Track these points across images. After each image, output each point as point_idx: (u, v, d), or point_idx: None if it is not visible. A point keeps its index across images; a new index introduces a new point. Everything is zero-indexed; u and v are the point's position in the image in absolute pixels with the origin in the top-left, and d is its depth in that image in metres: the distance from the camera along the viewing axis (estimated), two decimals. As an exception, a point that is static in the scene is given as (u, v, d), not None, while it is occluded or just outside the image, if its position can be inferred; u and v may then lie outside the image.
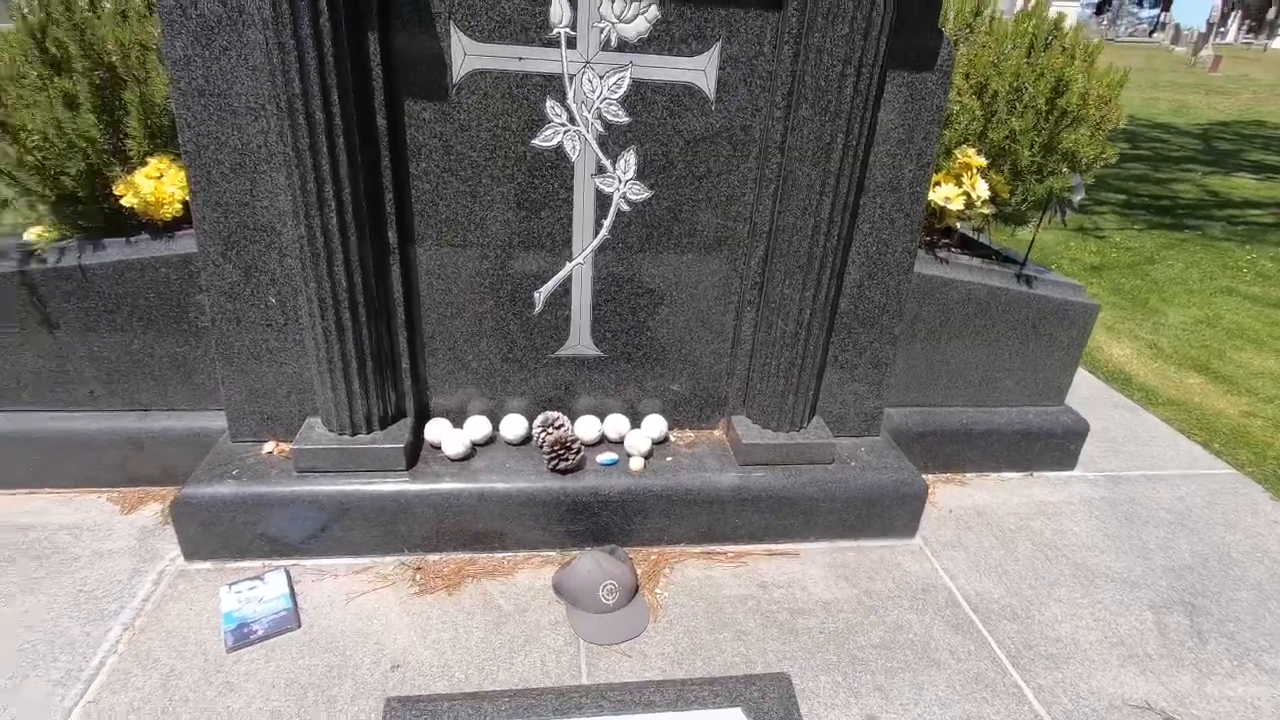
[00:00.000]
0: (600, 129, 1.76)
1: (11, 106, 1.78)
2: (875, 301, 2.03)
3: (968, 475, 2.49)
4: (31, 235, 1.93)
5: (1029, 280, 2.33)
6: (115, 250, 1.90)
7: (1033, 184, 2.23)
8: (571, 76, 1.69)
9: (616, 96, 1.73)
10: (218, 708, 1.49)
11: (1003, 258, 2.47)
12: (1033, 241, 2.42)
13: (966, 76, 2.23)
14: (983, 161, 2.19)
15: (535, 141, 1.75)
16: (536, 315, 1.96)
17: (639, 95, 1.74)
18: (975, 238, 2.59)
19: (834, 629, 1.81)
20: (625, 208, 1.86)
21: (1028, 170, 2.21)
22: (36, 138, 1.79)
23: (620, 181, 1.82)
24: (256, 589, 1.77)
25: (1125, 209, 6.31)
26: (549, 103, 1.72)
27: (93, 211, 1.94)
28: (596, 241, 1.89)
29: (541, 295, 1.94)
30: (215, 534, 1.84)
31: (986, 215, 2.31)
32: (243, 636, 1.64)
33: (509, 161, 1.77)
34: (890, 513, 2.10)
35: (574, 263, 1.91)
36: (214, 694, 1.52)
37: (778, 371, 1.98)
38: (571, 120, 1.74)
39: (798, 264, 1.84)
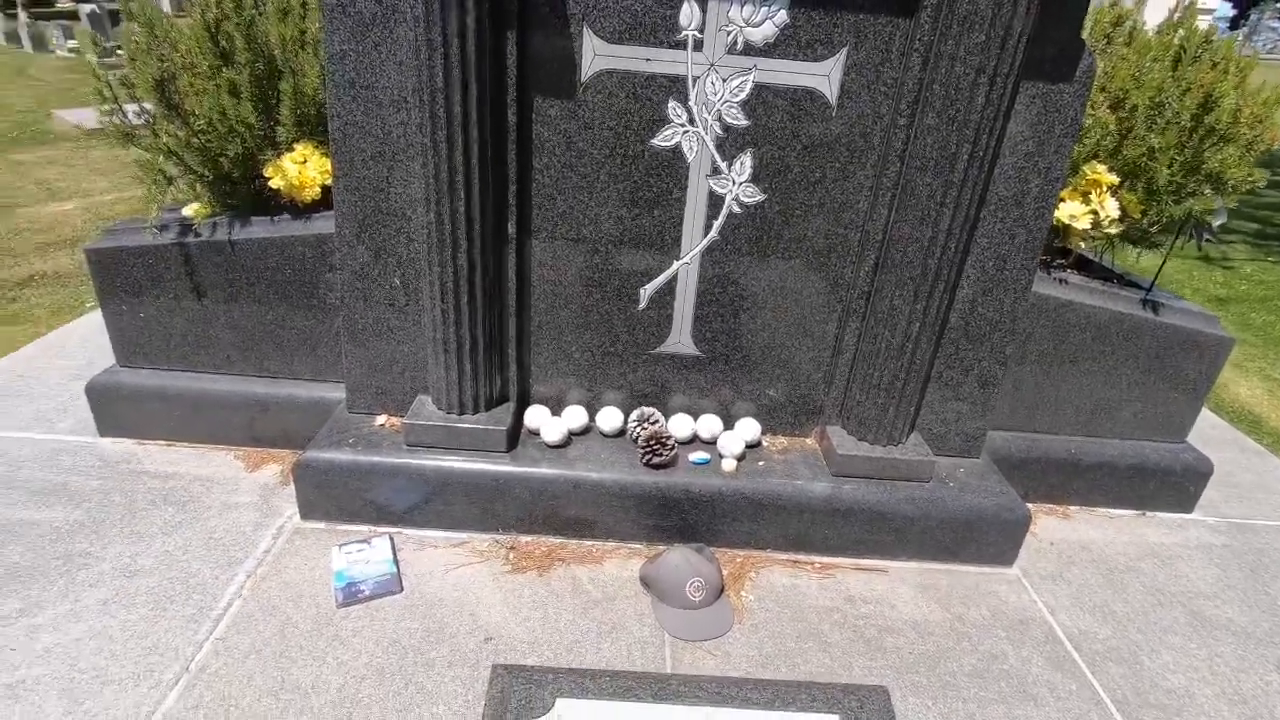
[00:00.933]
0: (719, 131, 1.78)
1: (184, 93, 1.96)
2: (987, 318, 1.96)
3: (1072, 508, 2.36)
4: (189, 211, 2.12)
5: (1155, 307, 2.20)
6: (260, 228, 2.06)
7: (1168, 205, 2.10)
8: (695, 78, 1.72)
9: (738, 99, 1.75)
10: (328, 658, 1.59)
11: (1125, 282, 2.34)
12: (1162, 265, 2.28)
13: (1103, 89, 2.13)
14: (1114, 179, 2.08)
15: (654, 141, 1.79)
16: (640, 311, 2.00)
17: (760, 99, 1.75)
18: (1095, 259, 2.46)
19: (924, 651, 1.76)
20: (737, 210, 1.87)
21: (1164, 190, 2.09)
22: (202, 122, 1.96)
23: (734, 184, 1.84)
24: (364, 551, 1.88)
25: (1259, 239, 5.83)
26: (671, 104, 1.75)
27: (243, 191, 2.11)
28: (705, 242, 1.91)
29: (646, 292, 1.97)
30: (329, 496, 1.96)
31: (1112, 236, 2.19)
32: (351, 595, 1.75)
33: (627, 160, 1.81)
34: (988, 538, 2.02)
35: (681, 262, 1.93)
36: (325, 645, 1.62)
37: (879, 384, 1.94)
38: (691, 121, 1.77)
39: (909, 275, 1.80)
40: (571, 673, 1.15)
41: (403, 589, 1.79)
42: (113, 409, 2.23)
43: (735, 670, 1.65)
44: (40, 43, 12.51)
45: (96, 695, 1.46)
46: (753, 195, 1.85)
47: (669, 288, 1.97)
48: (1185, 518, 2.38)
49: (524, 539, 2.00)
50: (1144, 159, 2.09)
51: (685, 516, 1.98)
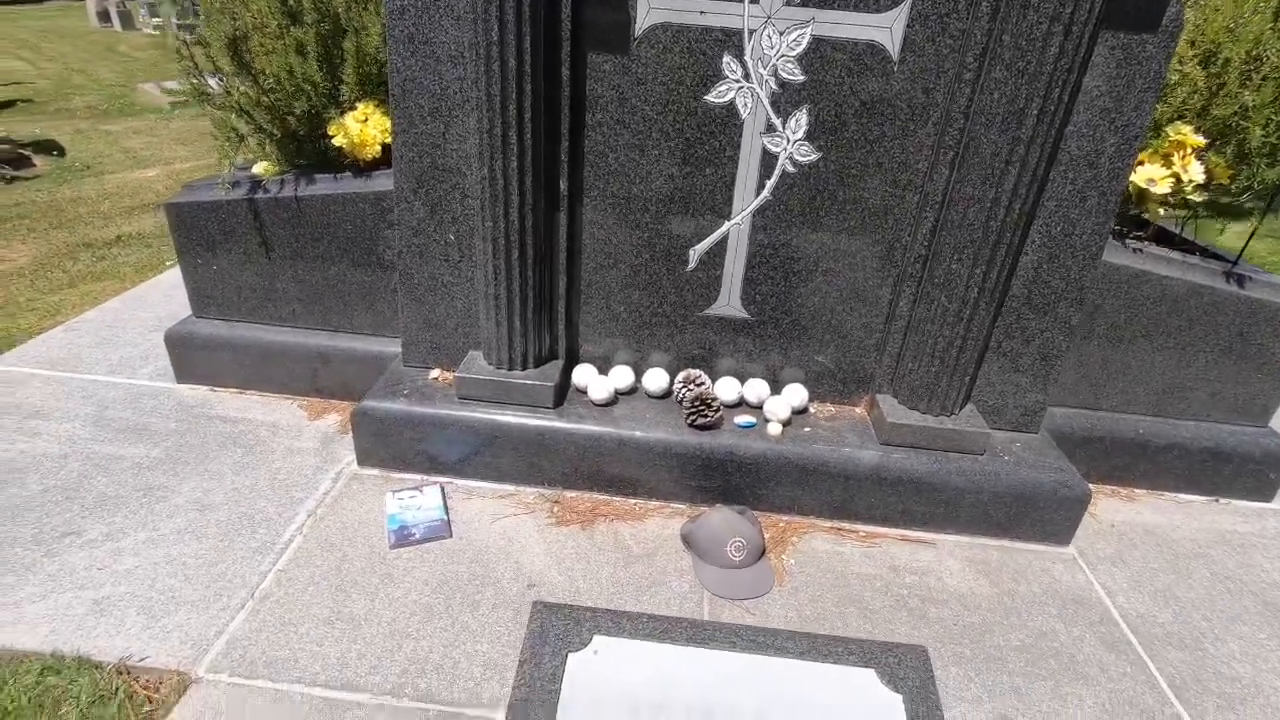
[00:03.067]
0: (774, 87, 1.74)
1: (255, 53, 2.04)
2: (1052, 287, 1.88)
3: (1138, 491, 2.26)
4: (259, 169, 2.21)
5: (1240, 280, 2.06)
6: (324, 185, 2.14)
7: (1261, 169, 1.95)
8: (751, 32, 1.69)
9: (794, 54, 1.70)
10: (380, 593, 1.67)
11: (1208, 255, 2.19)
12: (1251, 235, 2.13)
13: (1192, 44, 1.98)
14: (1200, 141, 1.95)
15: (707, 98, 1.77)
16: (689, 272, 1.99)
17: (817, 53, 1.70)
18: (1176, 233, 2.31)
19: (970, 623, 1.73)
20: (791, 169, 1.83)
21: (1258, 153, 1.94)
22: (271, 80, 2.04)
23: (789, 142, 1.80)
24: (416, 498, 1.95)
25: (1368, 220, 5.36)
26: (725, 58, 1.72)
27: (309, 150, 2.19)
28: (757, 202, 1.88)
29: (696, 253, 1.96)
30: (384, 445, 2.04)
31: (1195, 204, 2.05)
32: (403, 537, 1.82)
33: (679, 116, 1.80)
34: (1044, 515, 1.95)
35: (732, 222, 1.91)
36: (378, 581, 1.70)
37: (934, 352, 1.89)
38: (746, 77, 1.74)
39: (970, 239, 1.73)
40: (609, 613, 1.18)
41: (451, 535, 1.86)
42: (188, 357, 2.36)
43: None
44: (128, 21, 13.18)
45: (171, 614, 1.57)
46: (807, 154, 1.81)
47: (719, 249, 1.95)
48: (1264, 506, 2.25)
49: (568, 494, 2.04)
50: (1236, 118, 1.94)
51: (729, 479, 1.98)
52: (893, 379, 2.04)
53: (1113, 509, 2.18)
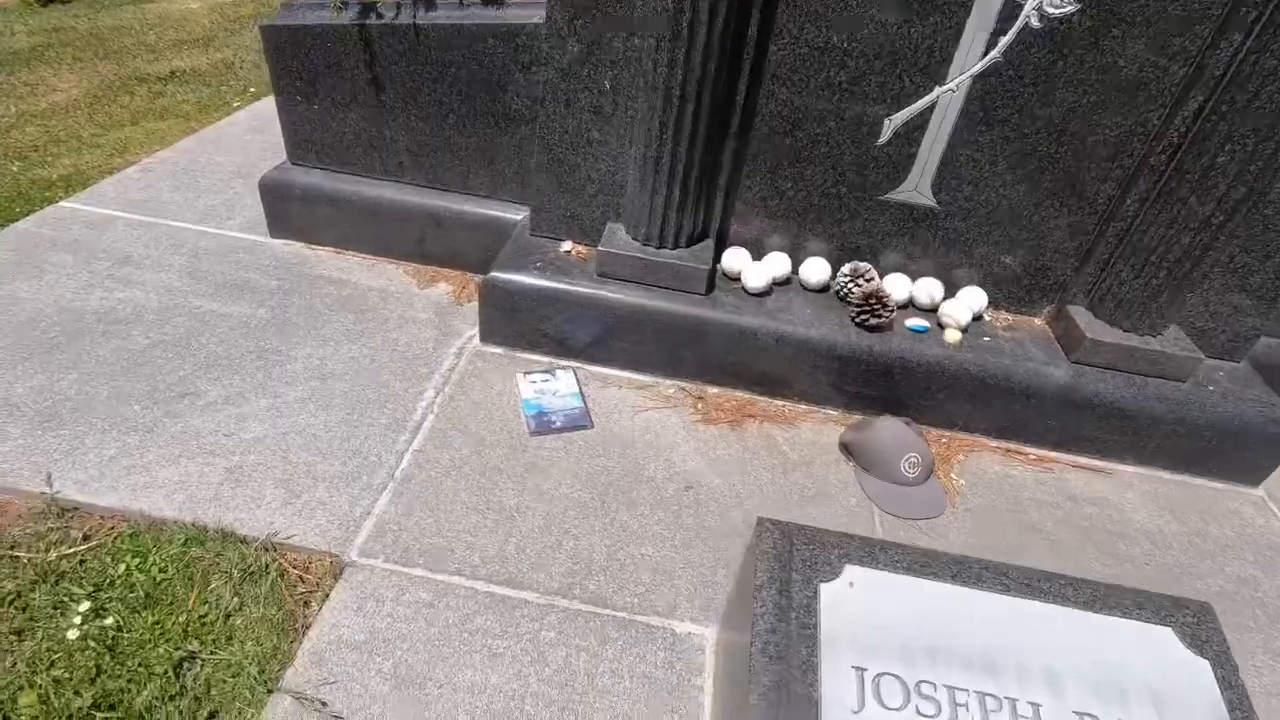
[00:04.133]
0: (1043, -91, 1.38)
1: None
2: (1320, 193, 1.58)
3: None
4: (368, -12, 1.88)
5: None
6: (448, 12, 1.81)
7: None
8: None
9: None
10: (528, 484, 1.53)
11: None
12: None
13: None
14: None
15: (952, -81, 1.41)
16: (878, 148, 1.70)
17: None
18: None
19: (1163, 563, 1.58)
20: (1035, 24, 1.49)
21: None
22: (392, -128, 1.67)
23: (1043, -14, 1.45)
24: (549, 382, 1.78)
25: None
26: None
27: (428, -33, 1.85)
28: (982, 64, 1.55)
29: (892, 124, 1.66)
30: (512, 321, 1.85)
31: None
32: (543, 424, 1.66)
33: (910, -56, 1.45)
34: (1244, 453, 1.76)
35: (944, 88, 1.60)
36: (523, 470, 1.56)
37: (1161, 261, 1.62)
38: (1009, -107, 1.37)
39: (1254, 126, 1.42)
40: (855, 538, 1.01)
41: (593, 425, 1.70)
42: (284, 208, 2.14)
43: (952, 554, 1.51)
44: None
45: (311, 489, 1.44)
46: (1062, 4, 1.47)
47: (921, 121, 1.65)
48: None
49: (711, 390, 1.86)
50: None
51: (894, 387, 1.79)
52: (1093, 290, 1.78)
53: (1296, 450, 1.98)
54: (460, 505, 1.46)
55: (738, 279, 1.85)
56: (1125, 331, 1.74)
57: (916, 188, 1.75)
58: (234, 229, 2.21)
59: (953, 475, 1.72)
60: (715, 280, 1.83)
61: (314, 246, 2.18)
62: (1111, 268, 1.72)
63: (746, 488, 1.60)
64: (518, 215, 2.04)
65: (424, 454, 1.56)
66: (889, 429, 1.65)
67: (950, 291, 1.86)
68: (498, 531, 1.42)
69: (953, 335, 1.77)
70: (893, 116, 1.65)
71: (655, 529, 1.47)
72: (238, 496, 1.41)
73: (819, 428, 1.80)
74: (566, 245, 1.90)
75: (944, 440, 1.82)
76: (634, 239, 1.80)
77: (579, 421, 1.69)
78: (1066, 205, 1.71)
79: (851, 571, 0.98)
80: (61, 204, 2.24)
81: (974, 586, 0.98)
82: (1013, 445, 1.83)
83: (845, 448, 1.72)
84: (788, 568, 0.97)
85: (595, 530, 1.45)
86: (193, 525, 1.34)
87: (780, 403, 1.85)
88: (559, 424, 1.67)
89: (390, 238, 2.14)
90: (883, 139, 1.68)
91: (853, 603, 0.94)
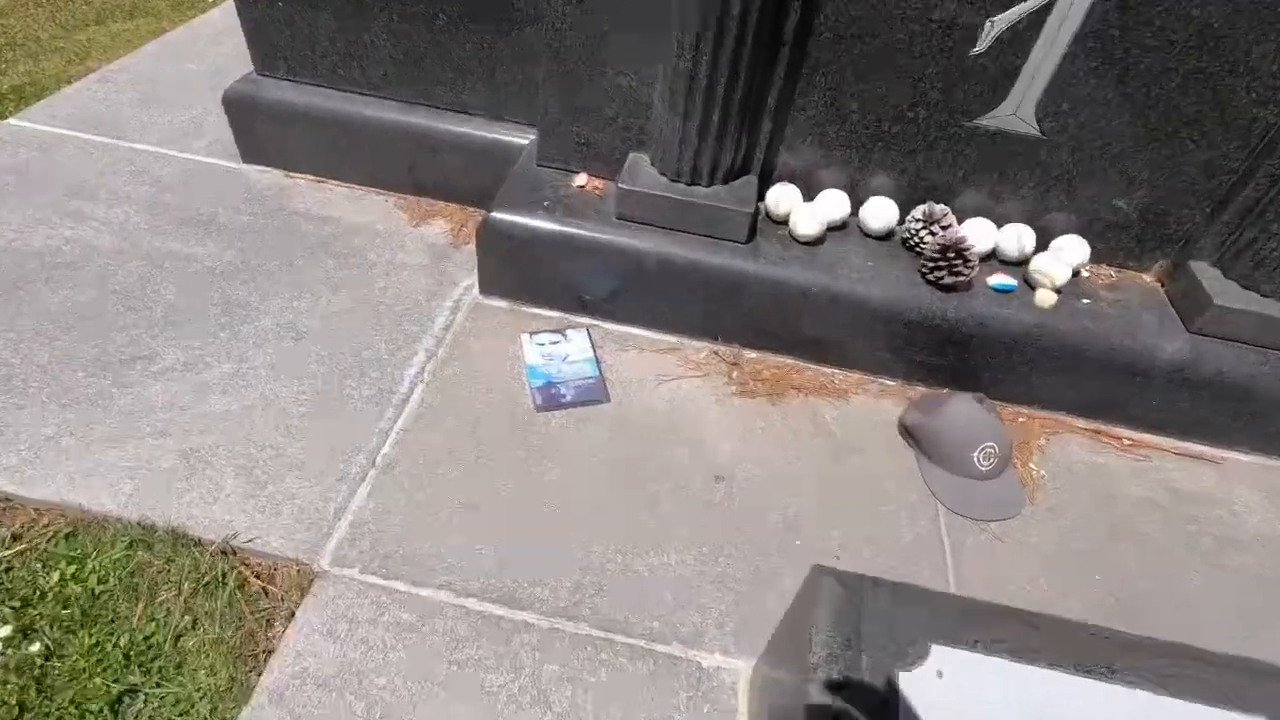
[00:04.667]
0: None
1: None
2: None
3: None
4: None
5: None
6: (431, -123, 1.45)
7: None
8: None
9: None
10: (531, 473, 1.30)
11: None
12: None
13: None
14: None
15: None
16: (972, 58, 1.34)
17: None
18: None
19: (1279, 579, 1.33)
20: (1210, -117, 1.10)
21: None
22: None
23: None
24: (559, 345, 1.53)
25: None
26: None
27: None
28: (1128, -57, 1.17)
29: (994, 26, 1.30)
30: (516, 270, 1.58)
31: None
32: (551, 398, 1.42)
33: None
34: (1391, 444, 1.47)
35: (1070, -22, 1.22)
36: (526, 456, 1.33)
37: (1328, 209, 1.28)
38: None
39: None
40: (947, 604, 0.78)
41: (609, 398, 1.45)
42: (254, 129, 1.84)
43: (1030, 567, 1.27)
44: None
45: (278, 479, 1.23)
46: None
47: (1035, 22, 1.28)
48: None
49: (748, 354, 1.59)
50: None
51: (968, 357, 1.50)
52: (1226, 244, 1.45)
53: None
54: (451, 501, 1.24)
55: (784, 222, 1.54)
56: (1264, 297, 1.42)
57: (1016, 111, 1.39)
58: (202, 152, 1.93)
59: (1031, 465, 1.46)
60: (757, 224, 1.53)
61: (292, 174, 1.89)
62: (1259, 217, 1.38)
63: (788, 479, 1.36)
64: (524, 139, 1.72)
65: (411, 435, 1.33)
66: (962, 414, 1.38)
67: (1043, 242, 1.53)
68: (495, 534, 1.21)
69: (1045, 296, 1.46)
70: (995, 17, 1.28)
71: (680, 532, 1.25)
72: (193, 487, 1.21)
73: (874, 402, 1.54)
74: (580, 179, 1.59)
75: (1021, 420, 1.55)
76: (661, 173, 1.49)
77: (593, 395, 1.45)
78: (1208, 135, 1.35)
79: (940, 655, 0.74)
80: (9, 121, 1.96)
81: (1102, 678, 0.75)
82: (1103, 426, 1.55)
83: (906, 430, 1.46)
84: (854, 646, 0.74)
85: (609, 533, 1.23)
86: (139, 524, 1.15)
87: (828, 370, 1.58)
88: (569, 397, 1.43)
89: (377, 165, 1.84)
90: (980, 46, 1.32)
91: (944, 699, 0.72)
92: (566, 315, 1.62)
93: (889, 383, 1.58)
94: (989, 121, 1.41)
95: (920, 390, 1.56)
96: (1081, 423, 1.56)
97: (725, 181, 1.49)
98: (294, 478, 1.24)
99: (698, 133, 1.38)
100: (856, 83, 1.40)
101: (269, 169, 1.89)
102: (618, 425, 1.41)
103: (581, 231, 1.50)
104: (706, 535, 1.25)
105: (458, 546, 1.18)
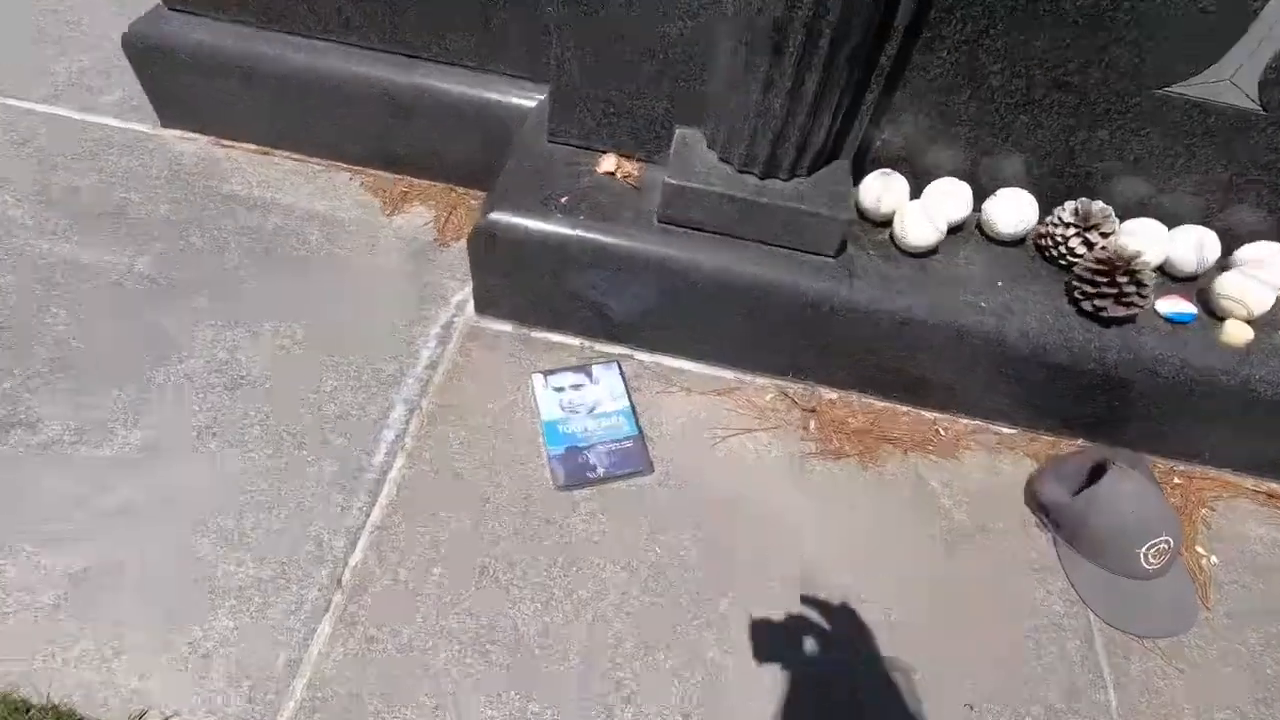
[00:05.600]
0: None
1: None
2: None
3: None
4: None
5: None
6: None
7: None
8: None
9: None
10: (554, 590, 0.96)
11: None
12: None
13: None
14: None
15: None
16: (1188, 2, 0.92)
17: None
18: None
19: None
20: None
21: None
22: None
23: None
24: (584, 390, 1.16)
25: None
26: None
27: None
28: None
29: (1233, -51, 0.88)
30: (524, 286, 1.19)
31: None
32: (577, 472, 1.07)
33: None
34: None
35: None
36: (546, 563, 0.98)
37: None
38: None
39: None
40: None
41: (652, 468, 1.10)
42: (170, 82, 1.39)
43: (1216, 697, 0.97)
44: None
45: (206, 618, 0.89)
46: None
47: (1299, -57, 0.86)
48: None
49: (828, 395, 1.23)
50: None
51: (1119, 405, 1.15)
52: None
53: None
54: (448, 643, 0.91)
55: (884, 223, 1.15)
56: None
57: (1232, 76, 0.98)
58: (108, 112, 1.48)
59: (1198, 547, 1.13)
60: (850, 231, 1.13)
61: (226, 143, 1.46)
62: None
63: (891, 587, 1.02)
64: (530, 100, 1.30)
65: (389, 536, 0.98)
66: (1125, 497, 1.03)
67: (1227, 250, 1.15)
68: (510, 695, 0.88)
69: (1237, 331, 1.09)
70: (1242, -65, 0.86)
71: (763, 679, 0.92)
72: (85, 635, 0.86)
73: (990, 459, 1.19)
74: (608, 162, 1.18)
75: (1177, 482, 1.21)
76: (723, 159, 1.08)
77: (631, 464, 1.09)
78: None
79: None
80: None
81: None
82: (1277, 485, 1.22)
83: (1042, 508, 1.12)
84: None
85: (663, 685, 0.91)
86: (4, 699, 0.81)
87: (929, 415, 1.23)
88: (601, 470, 1.07)
89: (336, 131, 1.41)
90: (1205, -19, 0.90)
91: None
92: (590, 342, 1.24)
93: (1006, 430, 1.23)
94: (1190, 90, 1.00)
95: (1047, 441, 1.22)
96: (1251, 482, 1.22)
97: (810, 172, 1.08)
98: (228, 614, 0.89)
99: (784, 106, 0.97)
100: (1006, 33, 0.98)
101: (194, 135, 1.46)
102: (666, 513, 1.06)
103: (612, 240, 1.10)
104: (793, 685, 0.93)
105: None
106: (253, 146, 1.46)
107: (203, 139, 1.46)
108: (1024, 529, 1.12)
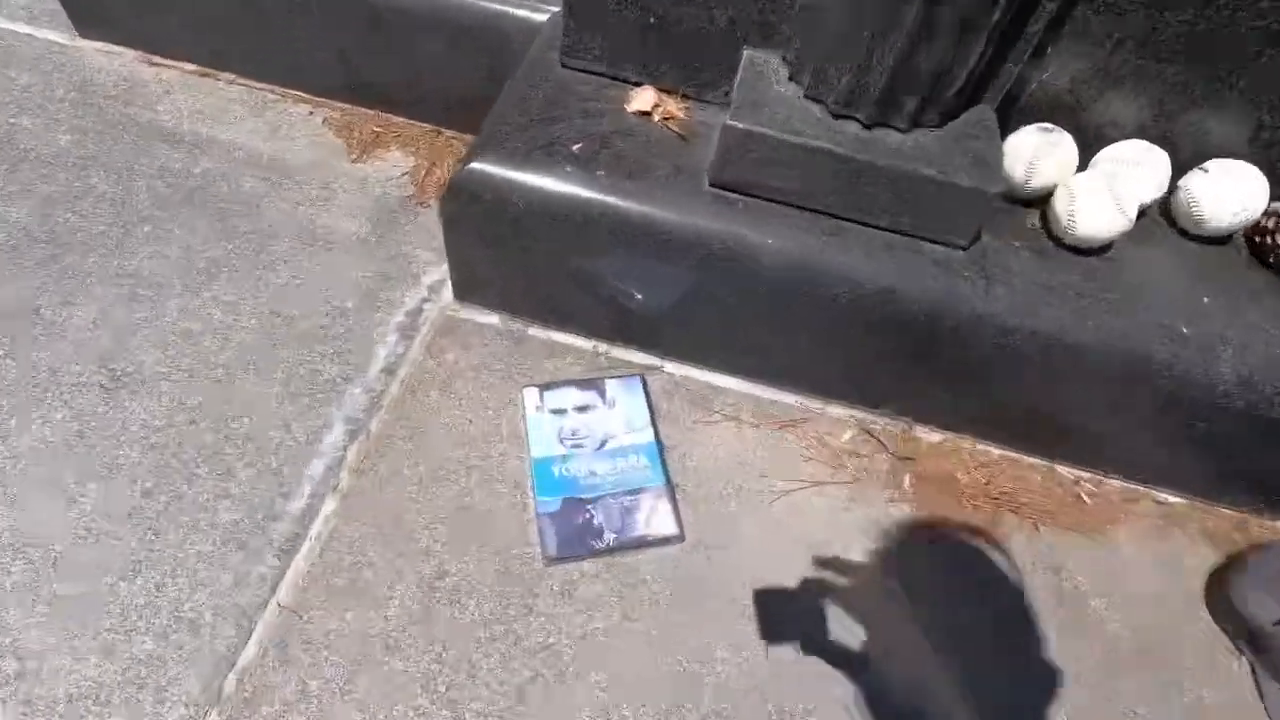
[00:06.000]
0: None
1: None
2: None
3: None
4: None
5: None
6: None
7: None
8: None
9: None
10: (535, 721, 0.66)
11: None
12: None
13: None
14: None
15: None
16: None
17: None
18: None
19: None
20: None
21: None
22: None
23: None
24: (592, 414, 0.84)
25: None
26: None
27: None
28: None
29: None
30: (518, 266, 0.87)
31: None
32: (575, 538, 0.75)
33: None
34: None
35: None
36: (529, 681, 0.68)
37: None
38: None
39: None
40: None
41: (683, 534, 0.78)
42: (85, -22, 1.08)
43: None
44: None
45: (11, 742, 0.61)
46: None
47: None
48: None
49: (926, 434, 0.90)
50: None
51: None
52: None
53: None
54: (369, 797, 0.61)
55: (1034, 201, 0.80)
56: None
57: None
58: (20, 17, 1.17)
59: None
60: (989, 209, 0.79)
61: (157, 60, 1.14)
62: None
63: (1028, 732, 0.71)
64: (539, 13, 0.96)
65: (302, 625, 0.68)
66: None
67: None
68: None
69: None
70: None
71: None
72: None
73: (1154, 542, 0.85)
74: (643, 97, 0.83)
75: None
76: (810, 96, 0.73)
77: (655, 526, 0.77)
78: None
79: None
80: None
81: None
82: None
83: (1237, 621, 0.78)
84: None
85: None
86: None
87: (1064, 470, 0.89)
88: (610, 534, 0.76)
89: (285, 54, 1.08)
90: None
91: None
92: (605, 346, 0.92)
93: (1170, 499, 0.89)
94: None
95: (1227, 516, 0.88)
96: None
97: (942, 121, 0.74)
98: (46, 742, 0.61)
99: (917, 18, 0.62)
100: (1281, -95, 0.62)
101: (117, 49, 1.14)
102: (697, 602, 0.74)
103: (643, 208, 0.77)
104: None
105: None
106: (190, 66, 1.14)
107: (129, 53, 1.14)
108: (1205, 648, 0.79)
